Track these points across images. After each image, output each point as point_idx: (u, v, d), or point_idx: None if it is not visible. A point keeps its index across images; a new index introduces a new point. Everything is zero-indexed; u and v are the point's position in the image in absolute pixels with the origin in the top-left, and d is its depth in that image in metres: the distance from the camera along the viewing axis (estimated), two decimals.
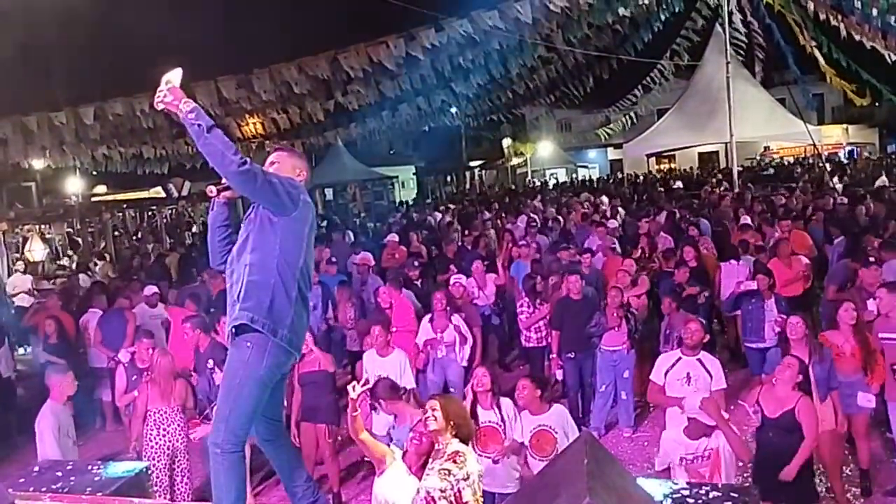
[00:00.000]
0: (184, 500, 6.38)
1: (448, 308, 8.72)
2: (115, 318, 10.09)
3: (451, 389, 8.40)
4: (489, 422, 6.01)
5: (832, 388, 6.31)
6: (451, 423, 4.26)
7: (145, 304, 10.56)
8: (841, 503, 6.37)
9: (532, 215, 17.77)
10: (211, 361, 7.47)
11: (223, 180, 3.37)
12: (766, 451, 5.65)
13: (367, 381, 4.51)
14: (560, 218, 17.11)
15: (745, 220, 13.35)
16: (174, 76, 3.31)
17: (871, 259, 9.03)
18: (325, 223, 21.40)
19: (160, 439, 6.83)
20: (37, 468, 4.81)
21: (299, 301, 3.36)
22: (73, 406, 9.48)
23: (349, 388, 4.37)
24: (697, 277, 10.08)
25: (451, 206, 24.58)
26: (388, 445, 4.80)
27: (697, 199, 20.28)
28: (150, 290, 10.76)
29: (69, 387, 6.44)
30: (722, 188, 22.10)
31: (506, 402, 6.09)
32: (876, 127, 42.97)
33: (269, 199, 3.33)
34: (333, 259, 12.00)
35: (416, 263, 11.24)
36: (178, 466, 6.89)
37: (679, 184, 27.98)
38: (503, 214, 19.37)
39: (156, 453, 6.77)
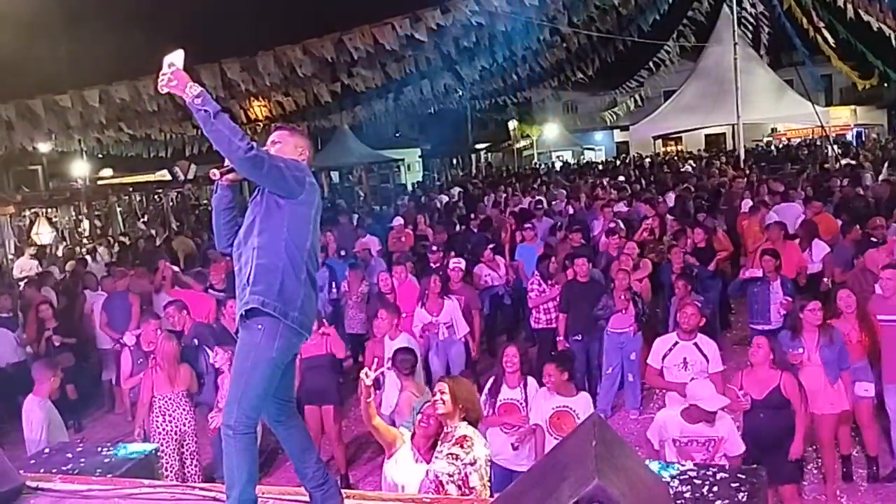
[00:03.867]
0: (194, 482, 6.40)
1: (441, 292, 8.70)
2: (119, 301, 10.09)
3: (453, 370, 8.43)
4: (512, 399, 6.04)
5: (843, 368, 6.30)
6: (460, 406, 4.27)
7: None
8: (831, 483, 6.39)
9: (538, 198, 17.73)
10: (195, 340, 7.63)
11: (226, 163, 3.37)
12: (757, 433, 5.66)
13: (379, 367, 4.50)
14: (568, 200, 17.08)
15: (748, 203, 13.22)
16: (176, 58, 3.26)
17: (874, 240, 9.01)
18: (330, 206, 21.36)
19: (167, 425, 6.85)
20: (47, 450, 4.85)
21: (308, 283, 3.37)
22: (78, 389, 9.63)
23: (362, 374, 4.37)
24: (706, 261, 10.09)
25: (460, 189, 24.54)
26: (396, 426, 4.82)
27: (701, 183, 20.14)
28: (169, 270, 10.85)
29: (55, 383, 6.52)
30: (731, 173, 21.97)
31: (532, 381, 6.13)
32: (885, 108, 42.68)
33: (276, 183, 3.33)
34: (343, 252, 11.95)
35: (434, 248, 11.10)
36: (187, 450, 6.92)
37: (688, 167, 27.83)
38: (509, 197, 19.34)
39: (164, 439, 6.78)
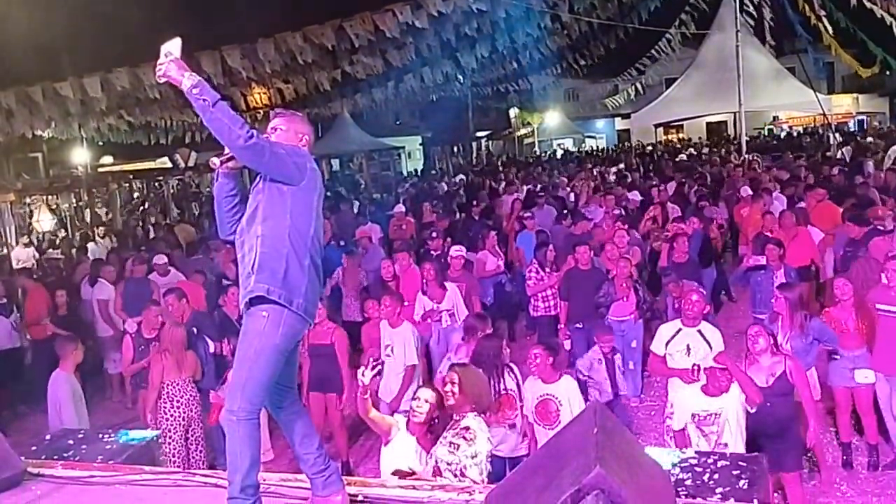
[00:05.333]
0: (199, 468, 6.42)
1: (438, 277, 8.66)
2: (139, 287, 10.01)
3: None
4: (508, 390, 6.05)
5: (811, 364, 6.37)
6: (469, 397, 4.27)
7: (157, 272, 10.61)
8: (826, 471, 6.42)
9: (539, 186, 17.72)
10: (195, 329, 7.61)
11: (226, 151, 3.35)
12: (763, 421, 5.65)
13: (376, 366, 4.47)
14: (569, 188, 17.06)
15: (746, 191, 13.20)
16: (174, 47, 3.23)
17: (880, 228, 8.99)
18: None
19: (174, 411, 6.86)
20: (48, 436, 4.86)
21: (311, 269, 3.36)
22: (79, 377, 9.65)
23: (359, 373, 4.36)
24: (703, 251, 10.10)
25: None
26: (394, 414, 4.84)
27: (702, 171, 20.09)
28: (160, 258, 10.81)
29: (78, 356, 6.74)
30: (732, 159, 21.92)
31: (515, 369, 6.14)
32: (887, 96, 42.50)
33: (278, 170, 3.32)
34: (342, 242, 11.90)
35: (433, 234, 11.04)
36: (193, 435, 6.94)
37: (683, 156, 27.75)
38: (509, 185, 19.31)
39: (171, 425, 6.81)
